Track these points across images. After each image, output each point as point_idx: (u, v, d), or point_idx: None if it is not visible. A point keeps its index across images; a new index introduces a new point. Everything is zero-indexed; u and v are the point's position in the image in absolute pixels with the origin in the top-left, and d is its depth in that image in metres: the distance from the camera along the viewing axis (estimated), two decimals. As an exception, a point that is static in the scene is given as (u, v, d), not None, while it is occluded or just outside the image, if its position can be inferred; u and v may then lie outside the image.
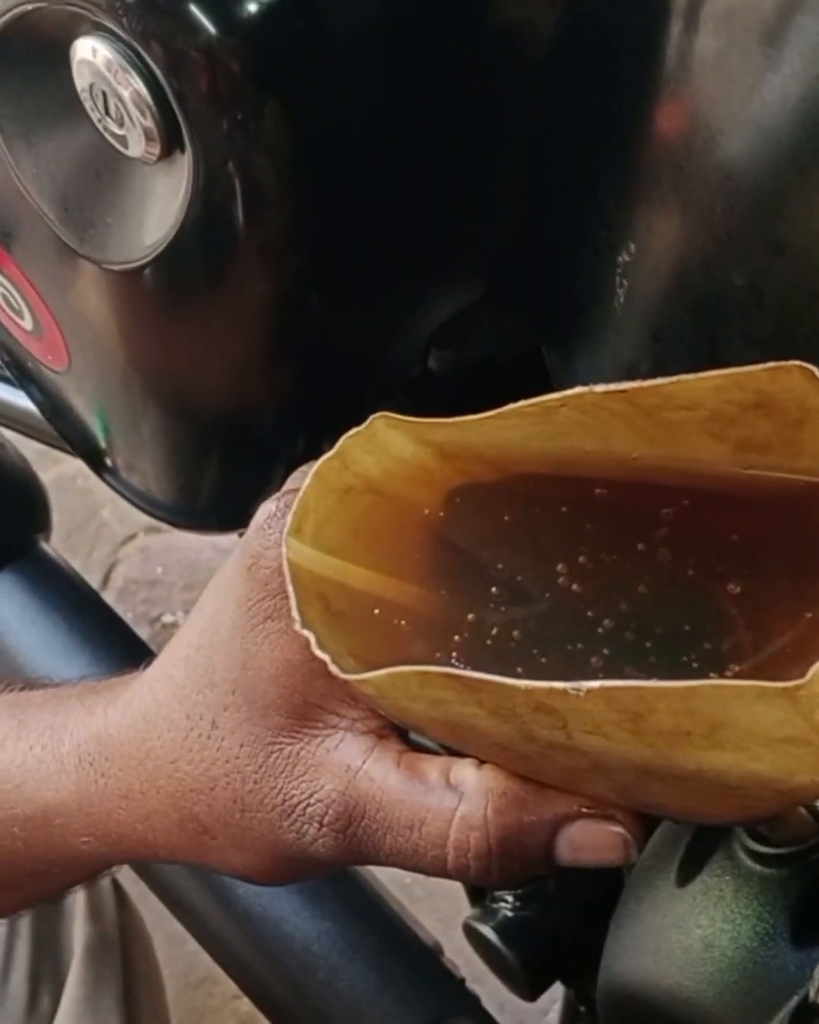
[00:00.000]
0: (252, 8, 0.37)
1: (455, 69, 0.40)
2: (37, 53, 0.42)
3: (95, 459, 0.55)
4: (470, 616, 0.34)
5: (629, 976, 0.43)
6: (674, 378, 0.32)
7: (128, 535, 1.37)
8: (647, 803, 0.33)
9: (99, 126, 0.40)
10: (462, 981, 0.63)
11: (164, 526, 0.56)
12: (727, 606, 0.33)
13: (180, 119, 0.38)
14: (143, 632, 1.25)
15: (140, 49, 0.37)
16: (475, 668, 0.31)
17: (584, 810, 0.33)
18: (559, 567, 0.35)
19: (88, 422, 0.53)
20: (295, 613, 0.32)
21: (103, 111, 0.40)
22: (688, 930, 0.40)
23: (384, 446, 0.34)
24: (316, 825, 0.35)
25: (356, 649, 0.33)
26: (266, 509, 0.35)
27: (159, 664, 0.38)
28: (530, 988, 0.58)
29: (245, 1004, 0.69)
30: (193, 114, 0.38)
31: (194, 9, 0.37)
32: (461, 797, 0.33)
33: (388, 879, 0.63)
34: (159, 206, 0.41)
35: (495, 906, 0.57)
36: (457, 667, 0.33)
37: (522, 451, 0.34)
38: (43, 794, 0.39)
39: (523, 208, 0.42)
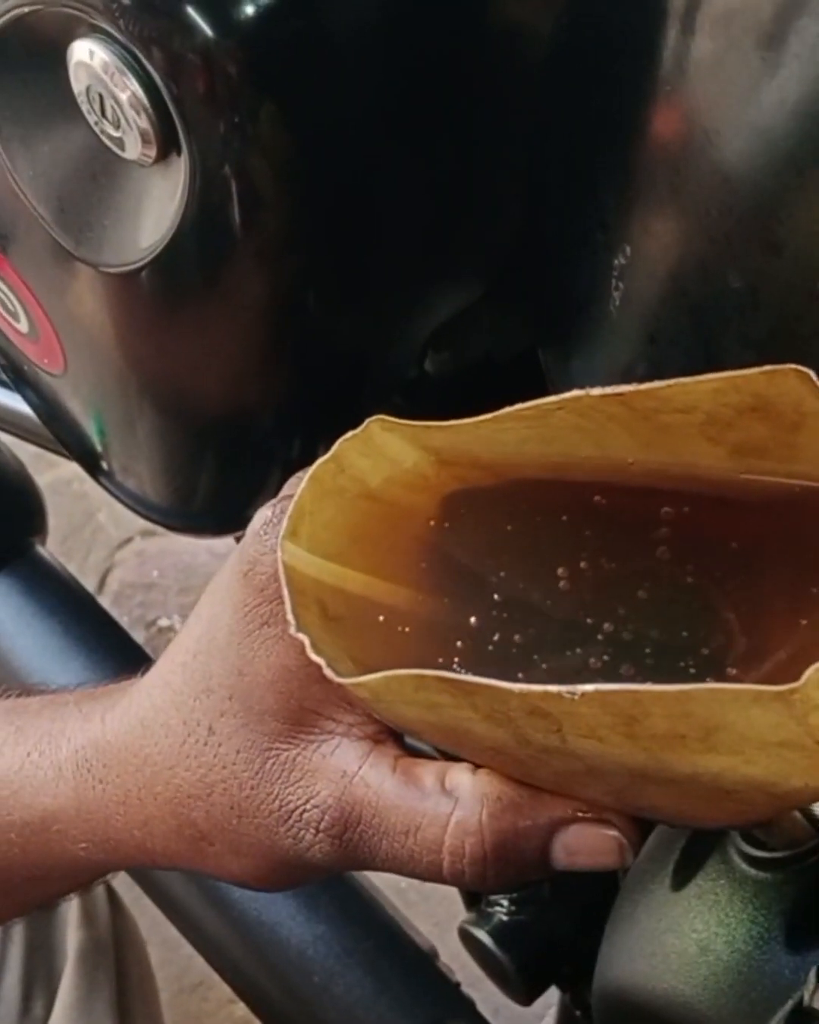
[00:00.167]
0: (249, 10, 0.37)
1: (453, 70, 0.40)
2: (34, 55, 0.42)
3: (91, 462, 0.55)
4: (466, 621, 0.34)
5: (624, 980, 0.42)
6: (670, 381, 0.32)
7: (124, 539, 1.37)
8: (642, 807, 0.33)
9: (96, 128, 0.40)
10: (457, 985, 0.63)
11: (160, 530, 0.56)
12: (724, 611, 0.33)
13: (177, 121, 0.38)
14: (139, 636, 1.25)
15: (137, 51, 0.37)
16: (472, 673, 0.31)
17: (579, 814, 0.33)
18: (556, 572, 0.35)
19: (84, 425, 0.53)
20: (290, 616, 0.32)
21: (100, 113, 0.40)
22: (683, 934, 0.40)
23: (380, 449, 0.34)
24: (312, 831, 0.34)
25: (353, 654, 0.33)
26: (262, 515, 0.35)
27: (156, 670, 0.38)
28: (525, 992, 0.58)
29: (240, 1008, 0.69)
30: (190, 116, 0.38)
31: (191, 11, 0.37)
32: (456, 802, 0.33)
33: (383, 883, 0.63)
34: (155, 208, 0.41)
35: (490, 910, 0.56)
36: (453, 672, 0.33)
37: (518, 455, 0.34)
38: (41, 800, 0.39)
39: (521, 209, 0.42)
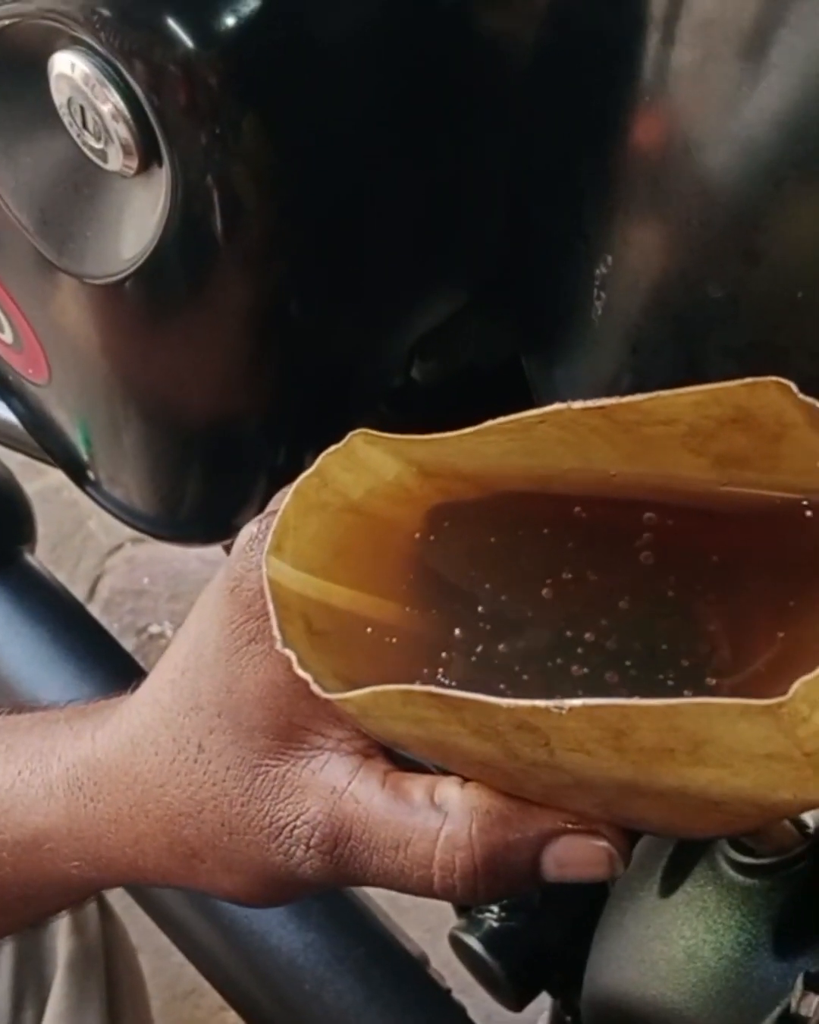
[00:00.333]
0: (230, 22, 0.36)
1: (435, 80, 0.40)
2: (15, 67, 0.41)
3: (77, 472, 0.55)
4: (451, 635, 0.34)
5: (613, 987, 0.43)
6: (652, 394, 0.32)
7: (114, 546, 1.37)
8: (630, 818, 0.33)
9: (77, 140, 0.40)
10: (448, 992, 0.63)
11: (150, 538, 0.56)
12: (707, 623, 0.33)
13: (158, 133, 0.38)
14: (129, 643, 1.25)
15: (118, 63, 0.37)
16: (459, 687, 0.31)
17: (568, 826, 0.33)
18: (540, 585, 0.35)
19: (69, 435, 0.53)
20: (276, 632, 0.32)
21: (81, 125, 0.40)
22: (671, 941, 0.40)
23: (363, 463, 0.34)
24: (303, 847, 0.34)
25: (340, 669, 0.33)
26: (248, 531, 0.35)
27: (146, 688, 0.38)
28: (516, 999, 0.58)
29: (232, 1016, 0.69)
30: (171, 128, 0.38)
31: (171, 23, 0.36)
32: (445, 816, 0.33)
33: (375, 890, 0.63)
34: (138, 220, 0.41)
35: (481, 917, 0.57)
36: (441, 686, 0.33)
37: (502, 468, 0.34)
38: (32, 819, 0.39)
39: (505, 218, 0.42)
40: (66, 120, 0.40)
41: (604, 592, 0.34)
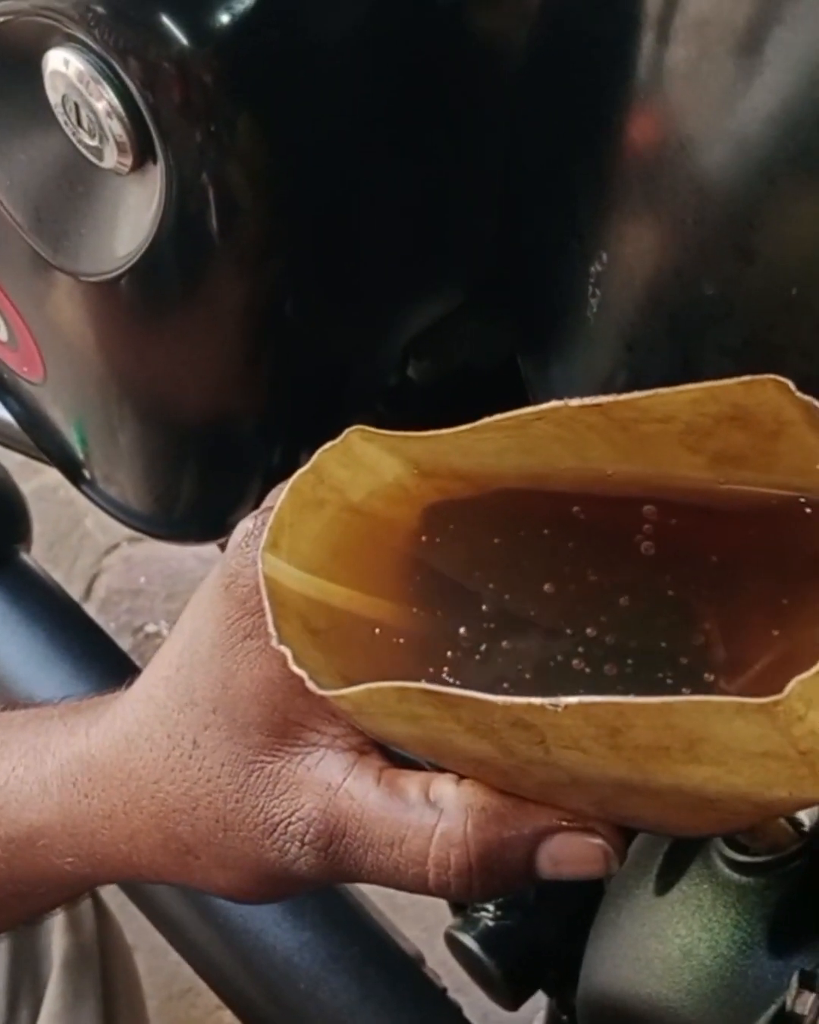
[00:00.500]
0: (224, 19, 0.36)
1: (429, 79, 0.40)
2: (9, 65, 0.41)
3: (73, 470, 0.55)
4: (448, 633, 0.34)
5: (609, 985, 0.43)
6: (649, 392, 0.32)
7: (111, 545, 1.37)
8: (625, 816, 0.33)
9: (72, 138, 0.40)
10: (444, 991, 0.63)
11: (146, 536, 0.56)
12: (705, 621, 0.33)
13: (153, 130, 0.38)
14: (126, 642, 1.24)
15: (112, 61, 0.37)
16: (456, 685, 0.31)
17: (564, 823, 0.33)
18: (538, 584, 0.35)
19: (65, 433, 0.53)
20: (271, 628, 0.32)
21: (76, 123, 0.39)
22: (667, 939, 0.40)
23: (359, 459, 0.34)
24: (298, 843, 0.34)
25: (336, 666, 0.33)
26: (243, 527, 0.35)
27: (140, 684, 0.38)
28: (512, 997, 0.58)
29: (228, 1015, 0.69)
30: (166, 125, 0.38)
31: (166, 20, 0.36)
32: (440, 813, 0.33)
33: (371, 888, 0.63)
34: (132, 217, 0.41)
35: (476, 916, 0.56)
36: (436, 684, 0.33)
37: (498, 466, 0.34)
38: (26, 815, 0.39)
39: (498, 218, 0.42)
40: (60, 118, 0.40)
41: (602, 591, 0.34)
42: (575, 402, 0.32)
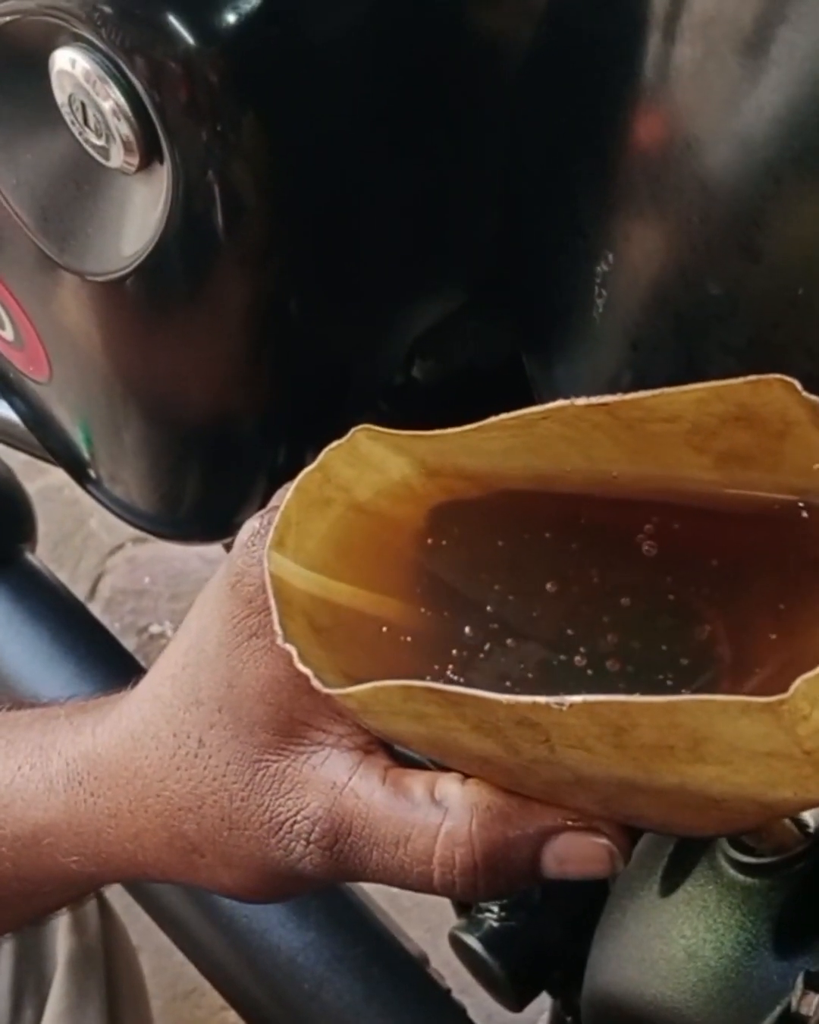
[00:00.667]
0: (230, 19, 0.36)
1: (434, 77, 0.40)
2: (16, 64, 0.41)
3: (78, 470, 0.55)
4: (453, 633, 0.34)
5: (614, 986, 0.42)
6: (656, 391, 0.32)
7: (116, 545, 1.37)
8: (630, 815, 0.33)
9: (79, 137, 0.40)
10: (448, 992, 0.63)
11: (151, 536, 0.56)
12: (709, 622, 0.33)
13: (159, 130, 0.38)
14: (130, 643, 1.24)
15: (119, 60, 0.37)
16: (462, 684, 0.31)
17: (569, 823, 0.33)
18: (543, 585, 0.35)
19: (70, 433, 0.53)
20: (277, 627, 0.32)
21: (83, 122, 0.40)
22: (671, 940, 0.40)
23: (365, 458, 0.34)
24: (303, 842, 0.34)
25: (341, 665, 0.33)
26: (250, 526, 0.35)
27: (146, 683, 0.38)
28: (516, 998, 0.58)
29: (232, 1016, 0.69)
30: (172, 125, 0.38)
31: (173, 20, 0.37)
32: (446, 812, 0.33)
33: (375, 889, 0.63)
34: (139, 217, 0.41)
35: (481, 916, 0.56)
36: (441, 683, 0.33)
37: (504, 466, 0.34)
38: (32, 814, 0.39)
39: (501, 217, 0.42)
40: (67, 117, 0.40)
41: (606, 592, 0.34)
42: (581, 401, 0.32)
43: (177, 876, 0.38)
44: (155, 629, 1.31)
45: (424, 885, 0.34)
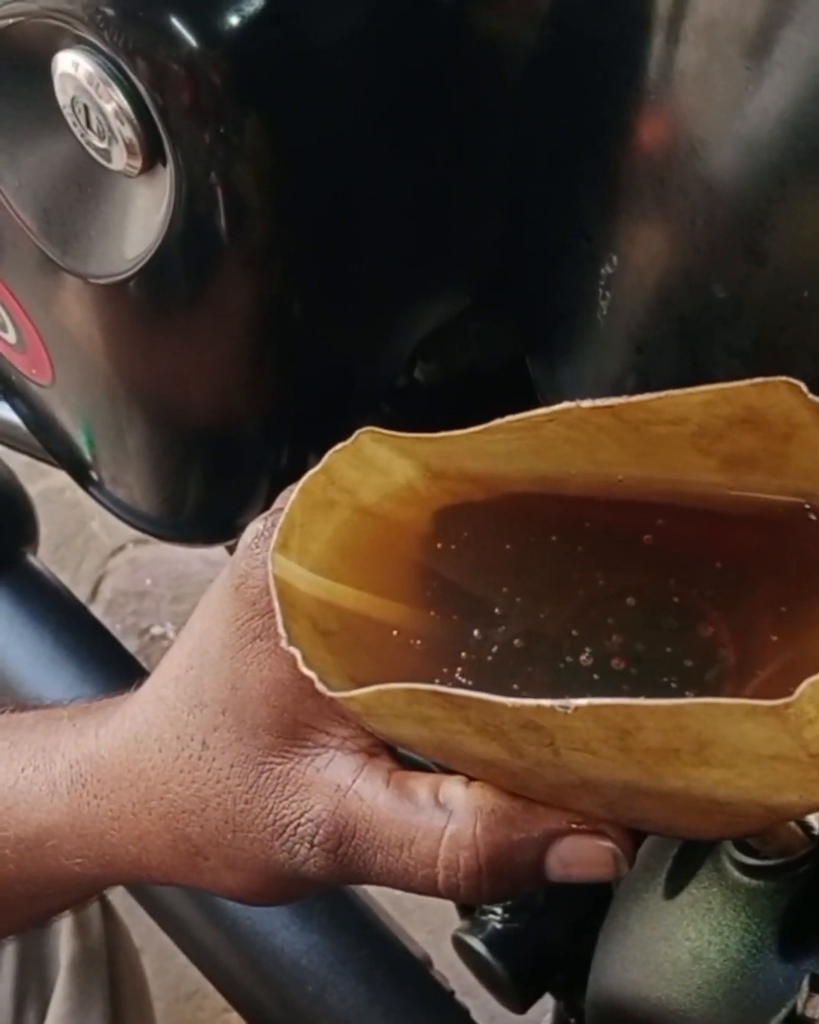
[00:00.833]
0: (233, 21, 0.36)
1: (437, 80, 0.40)
2: (18, 67, 0.41)
3: (80, 472, 0.55)
4: (458, 636, 0.34)
5: (618, 988, 0.42)
6: (661, 393, 0.32)
7: (117, 547, 1.37)
8: (635, 818, 0.33)
9: (81, 139, 0.40)
10: (452, 993, 0.63)
11: (153, 538, 0.56)
12: (713, 624, 0.33)
13: (162, 132, 0.38)
14: (132, 644, 1.24)
15: (121, 63, 0.37)
16: (466, 688, 0.31)
17: (573, 826, 0.33)
18: (548, 588, 0.35)
19: (73, 435, 0.53)
20: (281, 629, 0.32)
21: (85, 124, 0.40)
22: (676, 942, 0.40)
23: (370, 460, 0.34)
24: (307, 845, 0.34)
25: (345, 668, 0.33)
26: (253, 528, 0.35)
27: (150, 685, 0.38)
28: (519, 1000, 0.58)
29: (235, 1018, 0.69)
30: (175, 127, 0.38)
31: (175, 22, 0.36)
32: (450, 815, 0.33)
33: (378, 891, 0.63)
34: (141, 219, 0.41)
35: (484, 918, 0.56)
36: (445, 686, 0.33)
37: (509, 468, 0.34)
38: (35, 816, 0.39)
39: (504, 220, 0.42)
40: (70, 120, 0.40)
41: (611, 594, 0.34)
42: (586, 403, 0.32)
43: (180, 878, 0.38)
44: (156, 631, 1.31)
45: (428, 888, 0.34)
